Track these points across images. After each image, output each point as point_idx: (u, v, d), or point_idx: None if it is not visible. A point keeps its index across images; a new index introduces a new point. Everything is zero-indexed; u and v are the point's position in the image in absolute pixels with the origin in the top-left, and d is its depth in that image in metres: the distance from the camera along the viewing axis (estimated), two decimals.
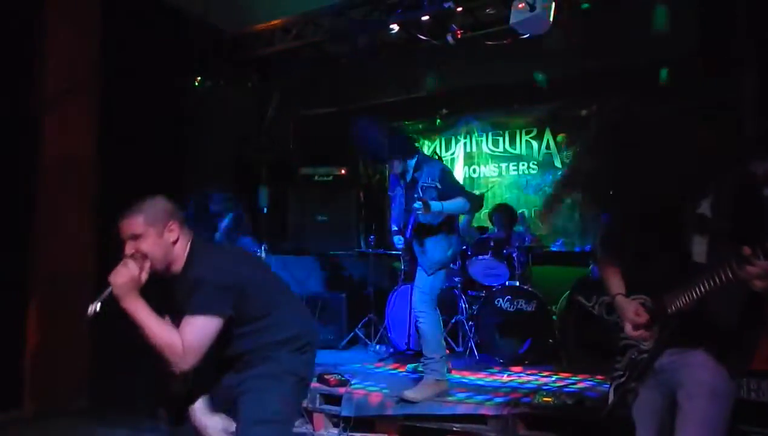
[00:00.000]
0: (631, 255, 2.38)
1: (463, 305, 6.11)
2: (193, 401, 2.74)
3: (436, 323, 4.46)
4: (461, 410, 4.18)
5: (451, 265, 5.21)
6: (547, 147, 7.59)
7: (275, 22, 6.59)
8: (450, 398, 4.36)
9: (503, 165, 7.88)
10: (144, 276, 2.43)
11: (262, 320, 2.60)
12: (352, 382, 4.79)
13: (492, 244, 5.97)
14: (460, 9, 5.90)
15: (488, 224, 7.06)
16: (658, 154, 2.26)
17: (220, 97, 6.85)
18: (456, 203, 4.39)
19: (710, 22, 5.62)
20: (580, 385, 4.73)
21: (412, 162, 4.54)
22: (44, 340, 5.09)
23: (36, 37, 5.14)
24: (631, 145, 2.33)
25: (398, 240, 4.80)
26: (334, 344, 6.57)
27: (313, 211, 7.27)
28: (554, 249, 7.31)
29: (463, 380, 4.97)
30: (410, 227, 4.48)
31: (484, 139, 8.02)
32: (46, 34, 5.18)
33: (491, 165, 7.95)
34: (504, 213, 6.59)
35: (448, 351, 4.69)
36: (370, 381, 4.98)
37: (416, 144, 4.73)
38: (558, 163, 7.50)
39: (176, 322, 2.45)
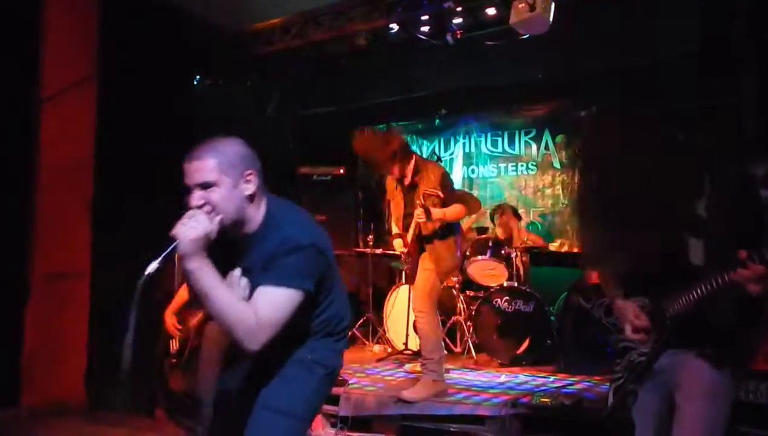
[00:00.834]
0: (629, 257, 2.37)
1: (462, 306, 6.11)
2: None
3: (436, 323, 4.46)
4: (459, 410, 4.17)
5: None
6: (546, 148, 7.58)
7: (274, 21, 6.58)
8: (448, 399, 4.35)
9: (502, 165, 7.88)
10: (213, 234, 2.02)
11: (323, 306, 2.29)
12: (350, 382, 4.79)
13: (491, 244, 5.97)
14: (459, 9, 5.90)
15: (488, 224, 7.06)
16: (656, 155, 2.26)
17: (219, 96, 6.84)
18: (456, 210, 4.40)
19: (710, 23, 5.62)
20: (578, 386, 4.73)
21: (410, 166, 4.53)
22: (42, 339, 5.08)
23: (34, 37, 5.13)
24: (629, 145, 2.33)
25: (397, 244, 4.80)
26: None
27: (312, 211, 7.22)
28: (552, 250, 7.32)
29: (461, 381, 4.97)
30: (410, 232, 4.49)
31: (483, 139, 8.01)
32: (44, 34, 5.18)
33: (490, 165, 7.95)
34: (505, 213, 6.59)
35: (445, 352, 4.68)
36: (367, 381, 4.98)
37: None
38: (557, 164, 7.50)
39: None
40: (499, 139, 7.91)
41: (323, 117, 8.09)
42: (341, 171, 7.48)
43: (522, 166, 7.74)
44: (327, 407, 4.55)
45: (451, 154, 8.19)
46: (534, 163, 7.65)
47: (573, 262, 7.09)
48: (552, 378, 5.04)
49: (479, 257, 5.93)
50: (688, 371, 2.19)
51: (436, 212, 4.29)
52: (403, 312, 6.17)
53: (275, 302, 2.02)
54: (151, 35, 5.68)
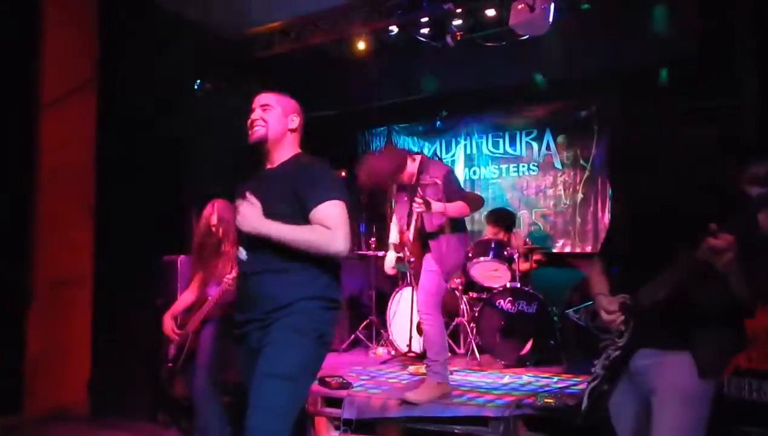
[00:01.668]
0: (627, 258, 2.38)
1: (465, 307, 6.11)
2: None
3: (440, 325, 4.45)
4: (463, 412, 4.16)
5: None
6: (548, 148, 7.57)
7: (274, 24, 6.59)
8: (451, 401, 4.35)
9: (503, 166, 7.87)
10: (253, 137, 2.73)
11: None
12: (354, 384, 4.79)
13: (493, 245, 5.97)
14: (459, 10, 5.90)
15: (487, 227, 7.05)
16: (657, 157, 2.26)
17: (219, 100, 6.85)
18: (458, 206, 4.38)
19: (711, 23, 5.62)
20: (582, 386, 4.69)
21: (415, 165, 4.53)
22: (44, 344, 5.08)
23: (35, 42, 5.14)
24: (629, 147, 2.33)
25: (390, 256, 4.82)
26: (335, 347, 6.56)
27: None
28: (555, 251, 7.32)
29: (465, 382, 4.96)
30: (411, 229, 4.48)
31: (484, 140, 8.01)
32: (45, 39, 5.19)
33: (491, 166, 7.94)
34: (500, 217, 6.58)
35: (449, 353, 4.67)
36: (371, 384, 4.97)
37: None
38: (558, 165, 7.49)
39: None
40: (500, 141, 7.90)
41: (324, 120, 8.08)
42: (342, 174, 7.46)
43: (523, 167, 7.74)
44: (331, 410, 4.56)
45: (453, 155, 8.18)
46: (535, 164, 7.65)
47: (575, 262, 7.11)
48: (556, 379, 5.03)
49: (482, 259, 5.92)
50: (663, 374, 2.19)
51: (437, 205, 4.25)
52: (406, 314, 6.17)
53: (329, 212, 2.52)
54: (151, 40, 5.68)
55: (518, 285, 5.82)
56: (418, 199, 4.22)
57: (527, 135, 7.71)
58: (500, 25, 5.78)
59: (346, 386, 4.70)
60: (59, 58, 5.26)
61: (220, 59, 6.82)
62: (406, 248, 4.68)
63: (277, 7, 6.29)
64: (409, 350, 6.15)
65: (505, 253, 5.93)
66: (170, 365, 4.19)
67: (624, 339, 2.30)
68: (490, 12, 5.86)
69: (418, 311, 4.63)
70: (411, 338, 6.14)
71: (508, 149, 7.85)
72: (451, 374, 4.83)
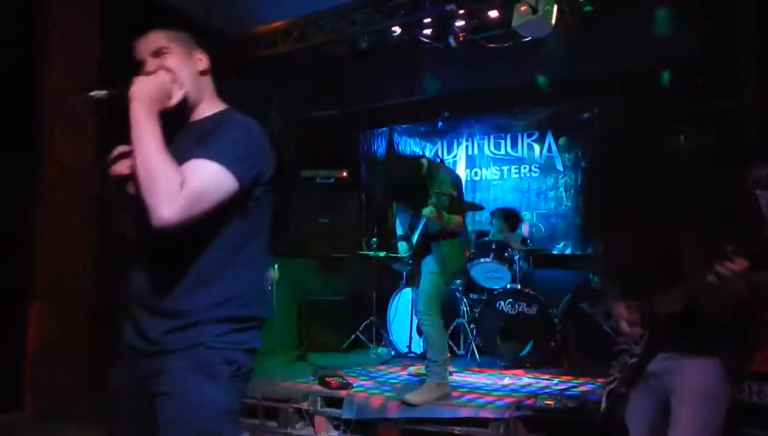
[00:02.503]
0: (629, 261, 2.37)
1: (465, 308, 6.11)
2: None
3: (440, 326, 4.46)
4: (462, 413, 4.17)
5: None
6: (549, 150, 7.57)
7: (277, 24, 6.59)
8: (451, 402, 4.35)
9: (505, 168, 7.87)
10: (175, 99, 1.93)
11: (245, 248, 1.92)
12: (354, 384, 4.79)
13: (494, 246, 5.97)
14: (462, 11, 5.90)
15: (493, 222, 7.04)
16: (657, 158, 2.26)
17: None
18: (455, 220, 4.42)
19: (712, 25, 5.62)
20: (582, 388, 4.73)
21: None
22: (46, 342, 5.09)
23: (37, 42, 5.15)
24: (629, 148, 2.32)
25: (402, 246, 4.79)
26: (336, 347, 6.56)
27: (315, 214, 7.27)
28: (556, 252, 7.31)
29: (465, 383, 4.97)
30: (418, 232, 4.49)
31: (485, 142, 8.00)
32: (47, 39, 5.19)
33: (493, 168, 7.94)
34: (505, 217, 6.58)
35: (449, 354, 4.67)
36: (371, 384, 4.98)
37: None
38: (560, 166, 7.49)
39: None
40: (502, 142, 7.90)
41: (326, 120, 8.10)
42: (344, 174, 7.48)
43: (525, 168, 7.73)
44: (330, 410, 4.56)
45: (454, 156, 8.18)
46: (537, 166, 7.64)
47: (576, 264, 7.10)
48: (556, 380, 5.03)
49: (482, 260, 5.92)
50: (683, 375, 2.18)
51: (444, 217, 4.31)
52: (406, 315, 6.18)
53: (203, 172, 1.77)
54: None
55: (519, 286, 5.83)
56: (431, 209, 4.26)
57: (529, 136, 7.71)
58: (502, 27, 5.78)
59: (346, 386, 4.71)
60: (62, 57, 5.26)
61: (222, 59, 6.81)
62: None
63: (279, 7, 6.29)
64: (410, 351, 6.15)
65: (506, 254, 5.93)
66: None
67: (641, 346, 2.29)
68: (493, 13, 5.87)
69: (417, 311, 4.64)
70: (411, 338, 6.14)
71: (510, 151, 7.85)
72: (451, 375, 4.83)
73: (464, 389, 4.73)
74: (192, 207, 1.72)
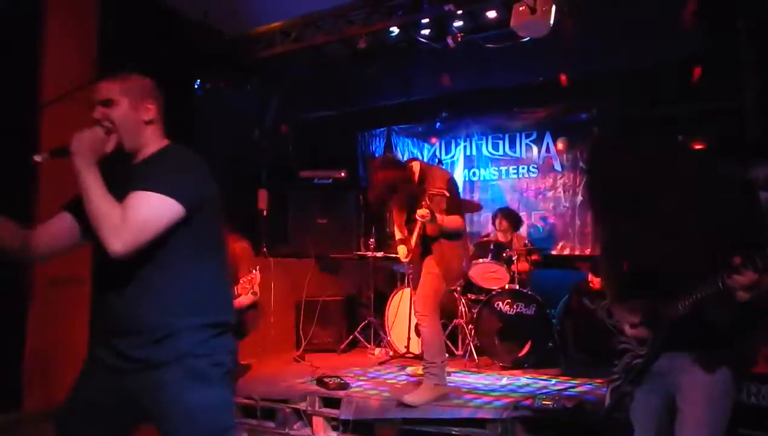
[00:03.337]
0: (631, 261, 2.37)
1: (463, 309, 6.11)
2: None
3: (438, 327, 4.45)
4: (460, 413, 4.16)
5: None
6: (547, 150, 7.57)
7: (275, 24, 6.59)
8: (449, 402, 4.35)
9: (503, 168, 7.88)
10: (109, 147, 2.13)
11: (201, 259, 2.13)
12: (352, 385, 4.79)
13: (492, 247, 5.96)
14: (460, 12, 5.90)
15: (489, 229, 7.05)
16: (657, 160, 2.25)
17: (219, 101, 6.84)
18: (454, 220, 4.40)
19: (712, 25, 5.62)
20: (580, 389, 4.73)
21: (416, 172, 4.54)
22: (44, 342, 5.08)
23: (34, 42, 5.13)
24: (629, 150, 2.32)
25: (402, 250, 4.77)
26: (334, 348, 6.56)
27: (313, 215, 7.27)
28: (554, 253, 7.31)
29: (463, 384, 4.96)
30: (416, 235, 4.48)
31: (484, 142, 8.01)
32: (44, 39, 5.18)
33: (491, 168, 7.94)
34: (510, 215, 6.58)
35: (447, 355, 4.67)
36: (369, 385, 4.97)
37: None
38: (558, 167, 7.49)
39: None
40: (500, 142, 7.90)
41: (324, 120, 8.10)
42: (342, 174, 7.48)
43: (523, 169, 7.74)
44: (328, 411, 4.56)
45: (452, 157, 8.18)
46: (535, 166, 7.65)
47: (574, 264, 7.11)
48: (554, 381, 5.04)
49: (480, 260, 5.92)
50: (689, 374, 2.18)
51: (438, 218, 4.29)
52: (404, 315, 6.18)
53: (143, 202, 1.97)
54: (151, 39, 5.67)
55: (517, 287, 5.82)
56: (424, 211, 4.24)
57: (527, 137, 7.72)
58: (501, 27, 5.77)
59: (344, 386, 4.70)
60: (60, 57, 5.24)
61: (221, 59, 6.81)
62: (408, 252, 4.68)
63: (277, 8, 6.29)
64: (408, 351, 6.15)
65: (504, 254, 5.93)
66: None
67: (646, 348, 2.29)
68: (491, 13, 5.87)
69: (415, 312, 4.63)
70: (409, 338, 6.14)
71: (508, 151, 7.85)
72: (449, 375, 4.83)
73: (462, 390, 4.72)
74: (138, 235, 1.94)
